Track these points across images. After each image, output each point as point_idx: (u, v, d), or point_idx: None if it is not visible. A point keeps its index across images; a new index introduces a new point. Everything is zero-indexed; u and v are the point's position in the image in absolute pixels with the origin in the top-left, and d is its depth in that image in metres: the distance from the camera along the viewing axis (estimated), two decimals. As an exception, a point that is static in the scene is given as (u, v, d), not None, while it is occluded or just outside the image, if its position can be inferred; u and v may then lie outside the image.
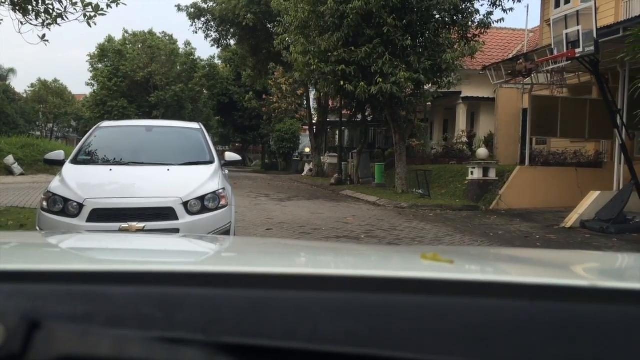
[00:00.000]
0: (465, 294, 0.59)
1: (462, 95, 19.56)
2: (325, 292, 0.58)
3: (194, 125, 6.01)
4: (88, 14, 5.85)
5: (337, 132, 27.59)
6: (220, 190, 4.74)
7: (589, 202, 9.48)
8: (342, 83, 13.00)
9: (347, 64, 12.96)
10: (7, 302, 0.54)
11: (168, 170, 4.87)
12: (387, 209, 12.11)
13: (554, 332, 0.54)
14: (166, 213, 4.34)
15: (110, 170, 4.88)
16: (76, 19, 5.87)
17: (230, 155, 5.80)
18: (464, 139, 19.15)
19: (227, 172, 6.72)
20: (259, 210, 10.78)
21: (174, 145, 5.48)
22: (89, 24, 5.87)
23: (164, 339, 0.51)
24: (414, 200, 12.73)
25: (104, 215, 4.25)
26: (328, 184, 19.08)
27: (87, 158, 5.22)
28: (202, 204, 4.55)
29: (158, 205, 4.37)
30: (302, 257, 1.12)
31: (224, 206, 4.67)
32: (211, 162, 5.22)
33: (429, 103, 20.76)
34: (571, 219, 9.47)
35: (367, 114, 19.72)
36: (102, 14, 5.83)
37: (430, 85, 14.94)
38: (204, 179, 4.81)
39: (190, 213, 4.45)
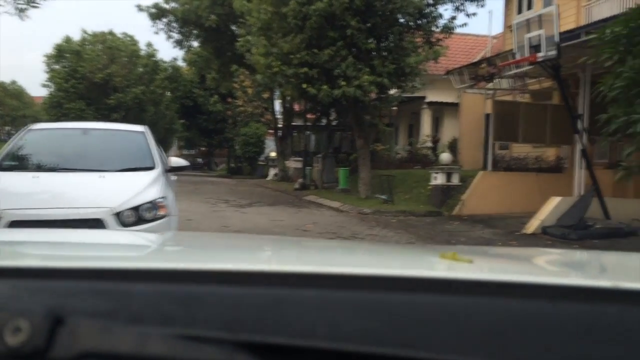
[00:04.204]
0: (485, 294, 0.59)
1: (427, 100, 19.55)
2: (345, 291, 0.59)
3: (138, 128, 5.58)
4: (20, 6, 5.39)
5: (303, 136, 27.33)
6: (160, 199, 4.34)
7: (550, 208, 9.40)
8: (304, 86, 12.70)
9: (310, 66, 12.67)
10: (31, 299, 0.55)
11: (102, 177, 4.44)
12: (350, 215, 11.84)
13: (576, 333, 0.54)
14: (95, 225, 3.91)
15: (37, 177, 4.42)
16: (6, 12, 5.39)
17: (176, 161, 5.40)
18: (429, 144, 19.12)
19: (175, 178, 6.30)
20: (215, 217, 10.34)
21: (111, 150, 5.04)
22: (20, 17, 5.41)
23: (185, 337, 0.51)
24: (377, 206, 12.51)
25: (23, 227, 3.81)
26: (292, 189, 18.73)
27: (13, 164, 4.73)
28: (138, 215, 4.14)
29: (86, 217, 3.94)
30: (322, 255, 1.12)
31: (162, 216, 4.26)
32: (152, 167, 4.81)
33: (395, 108, 20.73)
34: (532, 225, 9.37)
35: (332, 118, 19.48)
36: (35, 6, 5.38)
37: (395, 90, 14.82)
38: (141, 186, 4.40)
39: (123, 225, 4.03)
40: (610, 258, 1.26)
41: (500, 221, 10.83)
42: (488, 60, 11.33)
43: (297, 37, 12.69)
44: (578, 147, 9.87)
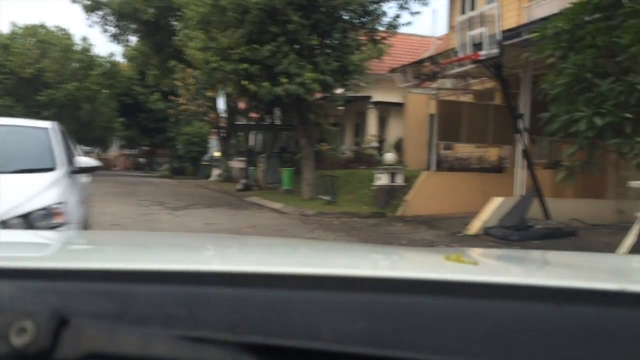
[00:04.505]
0: (490, 296, 0.59)
1: (373, 100, 19.43)
2: (350, 293, 0.58)
3: (42, 124, 4.91)
4: None
5: (247, 136, 26.68)
6: (56, 205, 3.74)
7: (492, 209, 9.30)
8: (244, 83, 12.16)
9: (250, 62, 12.14)
10: (36, 300, 0.55)
11: None
12: (292, 217, 11.41)
13: (581, 336, 0.54)
14: None
15: None
16: None
17: (84, 161, 4.78)
18: (374, 144, 18.99)
19: (88, 179, 5.67)
20: (145, 222, 9.64)
21: (3, 149, 4.38)
22: None
23: (189, 338, 0.51)
24: (320, 207, 12.13)
25: None
26: (235, 190, 18.12)
27: None
28: (29, 224, 3.54)
29: None
30: (326, 257, 1.10)
31: (59, 225, 3.68)
32: (52, 168, 4.20)
33: (341, 107, 20.48)
34: (474, 226, 9.24)
35: (276, 116, 18.98)
36: None
37: (341, 89, 14.52)
38: (35, 190, 3.79)
39: None
40: (614, 260, 1.26)
41: (443, 222, 10.68)
42: (431, 59, 11.17)
43: (237, 32, 12.13)
44: (519, 147, 9.83)
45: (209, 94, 24.79)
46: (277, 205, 13.04)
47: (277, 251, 1.18)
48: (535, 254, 1.33)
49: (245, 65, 11.98)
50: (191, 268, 0.65)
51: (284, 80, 11.84)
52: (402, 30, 15.19)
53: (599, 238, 8.77)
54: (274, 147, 21.33)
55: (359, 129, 21.95)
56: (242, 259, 0.99)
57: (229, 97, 21.37)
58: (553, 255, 1.30)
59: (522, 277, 0.77)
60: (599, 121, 4.32)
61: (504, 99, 9.66)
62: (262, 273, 0.64)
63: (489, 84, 13.11)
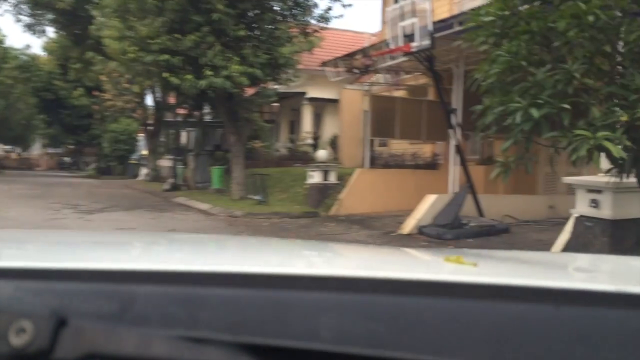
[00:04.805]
0: (489, 298, 0.58)
1: (308, 96, 18.98)
2: (350, 293, 0.58)
3: None
4: None
5: (178, 133, 25.51)
6: None
7: (426, 207, 8.99)
8: (166, 75, 11.29)
9: (172, 53, 11.27)
10: (35, 300, 0.55)
11: None
12: (219, 219, 10.70)
13: (579, 338, 0.54)
14: None
15: None
16: None
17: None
18: (310, 141, 18.54)
19: None
20: (49, 227, 8.64)
21: None
22: None
23: (188, 338, 0.51)
24: (249, 208, 11.47)
25: None
26: (162, 190, 17.10)
27: None
28: None
29: None
30: (324, 258, 1.10)
31: None
32: None
33: (276, 104, 19.86)
34: (408, 225, 8.89)
35: (205, 112, 18.08)
36: None
37: (274, 84, 13.91)
38: None
39: None
40: (613, 261, 1.28)
41: (377, 221, 10.31)
42: (363, 51, 10.76)
43: (157, 20, 11.23)
44: (452, 143, 9.59)
45: (135, 88, 23.46)
46: (204, 206, 12.26)
47: (277, 251, 1.15)
48: (535, 255, 1.33)
49: (166, 57, 11.11)
50: (189, 269, 0.65)
51: (209, 72, 11.08)
52: (337, 25, 14.83)
53: (532, 234, 8.65)
54: (206, 145, 20.36)
55: (294, 125, 21.44)
56: (243, 260, 0.97)
57: (154, 92, 20.23)
58: (553, 256, 1.28)
59: (521, 278, 0.75)
60: (535, 113, 3.94)
61: (437, 94, 9.38)
62: (260, 274, 0.64)
63: (423, 79, 12.91)
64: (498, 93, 4.59)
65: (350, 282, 0.61)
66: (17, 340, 0.49)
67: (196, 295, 0.56)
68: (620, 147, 3.63)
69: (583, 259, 1.31)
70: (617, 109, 3.67)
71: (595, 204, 5.76)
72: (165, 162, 22.06)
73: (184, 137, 26.56)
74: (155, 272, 0.63)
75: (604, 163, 4.17)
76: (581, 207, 5.96)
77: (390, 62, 9.72)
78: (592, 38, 3.95)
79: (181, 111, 19.62)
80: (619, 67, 3.91)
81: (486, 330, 0.53)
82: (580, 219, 5.98)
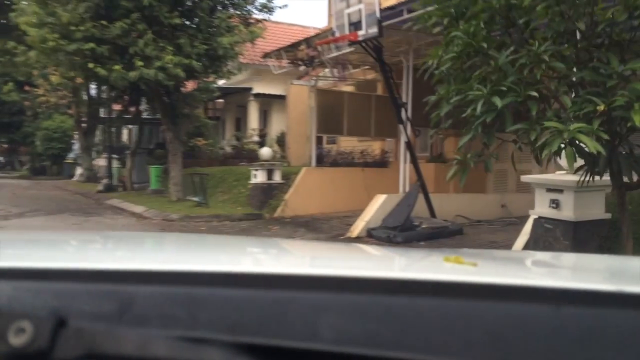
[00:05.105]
0: (489, 298, 0.58)
1: (254, 92, 18.18)
2: (349, 293, 0.57)
3: None
4: None
5: (119, 130, 24.07)
6: None
7: (376, 207, 8.41)
8: (91, 66, 10.24)
9: (97, 42, 10.24)
10: (34, 300, 0.55)
11: None
12: (152, 223, 9.79)
13: (579, 338, 0.53)
14: None
15: None
16: None
17: None
18: (256, 138, 17.74)
19: None
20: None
21: None
22: None
23: (188, 339, 0.51)
24: (187, 210, 10.61)
25: None
26: (95, 191, 15.89)
27: None
28: None
29: None
30: (324, 258, 1.09)
31: None
32: None
33: (222, 100, 18.91)
34: (358, 227, 8.29)
35: (142, 108, 16.93)
36: None
37: (215, 77, 13.03)
38: None
39: None
40: (613, 262, 1.26)
41: (324, 223, 9.68)
42: (307, 42, 10.08)
43: (80, 5, 10.16)
44: (402, 139, 9.06)
45: (55, 79, 21.73)
46: (138, 209, 11.28)
47: (275, 252, 1.15)
48: (535, 255, 1.47)
49: (91, 45, 10.07)
50: (189, 269, 0.64)
51: (140, 63, 10.13)
52: (283, 19, 14.10)
53: (486, 235, 8.22)
54: (146, 142, 19.15)
55: (241, 122, 20.55)
56: (242, 260, 0.97)
57: (88, 86, 18.86)
58: (552, 257, 1.32)
59: (521, 278, 0.75)
60: (498, 101, 3.35)
61: (386, 87, 8.81)
62: (260, 274, 0.63)
63: (371, 74, 12.37)
64: (454, 81, 4.00)
65: (350, 282, 0.61)
66: (16, 341, 0.48)
67: (195, 295, 0.55)
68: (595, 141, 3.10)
69: (583, 259, 1.29)
70: (592, 97, 3.14)
71: (555, 204, 5.30)
72: (103, 162, 20.69)
73: (125, 134, 25.14)
74: (155, 273, 0.63)
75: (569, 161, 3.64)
76: (540, 207, 5.49)
77: (336, 53, 9.09)
78: (561, 14, 3.41)
79: (117, 107, 18.32)
80: (593, 49, 3.38)
81: (486, 330, 0.53)
82: (540, 221, 5.51)
